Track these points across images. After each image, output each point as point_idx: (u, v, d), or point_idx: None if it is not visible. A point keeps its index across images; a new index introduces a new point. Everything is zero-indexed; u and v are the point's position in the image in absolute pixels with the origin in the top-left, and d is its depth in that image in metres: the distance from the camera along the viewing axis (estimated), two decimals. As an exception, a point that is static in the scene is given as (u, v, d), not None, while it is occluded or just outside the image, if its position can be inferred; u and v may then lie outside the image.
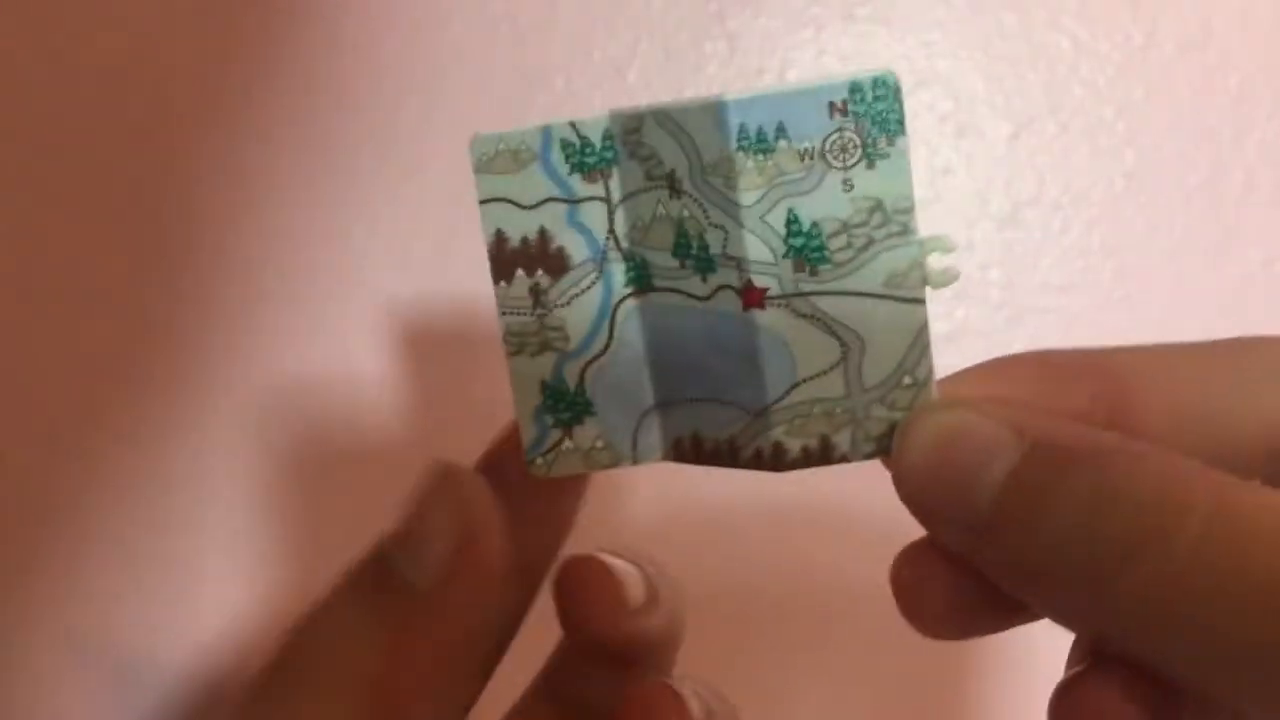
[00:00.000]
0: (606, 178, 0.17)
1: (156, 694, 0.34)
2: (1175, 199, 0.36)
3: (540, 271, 0.18)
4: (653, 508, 0.34)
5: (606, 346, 0.18)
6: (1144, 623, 0.14)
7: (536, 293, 0.18)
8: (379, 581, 0.18)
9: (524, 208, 0.18)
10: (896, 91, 0.16)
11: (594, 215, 0.18)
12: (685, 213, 0.17)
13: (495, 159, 0.18)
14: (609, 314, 0.18)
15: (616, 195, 0.18)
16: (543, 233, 0.18)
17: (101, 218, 0.35)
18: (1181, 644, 0.13)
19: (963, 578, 0.16)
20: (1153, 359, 0.18)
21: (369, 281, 0.35)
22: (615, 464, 0.18)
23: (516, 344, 0.18)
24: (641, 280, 0.18)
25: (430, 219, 0.35)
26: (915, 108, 0.36)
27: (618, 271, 0.18)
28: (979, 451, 0.15)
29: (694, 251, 0.17)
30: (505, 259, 0.18)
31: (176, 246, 0.35)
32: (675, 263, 0.17)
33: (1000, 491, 0.15)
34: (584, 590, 0.20)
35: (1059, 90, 0.36)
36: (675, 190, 0.17)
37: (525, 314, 0.18)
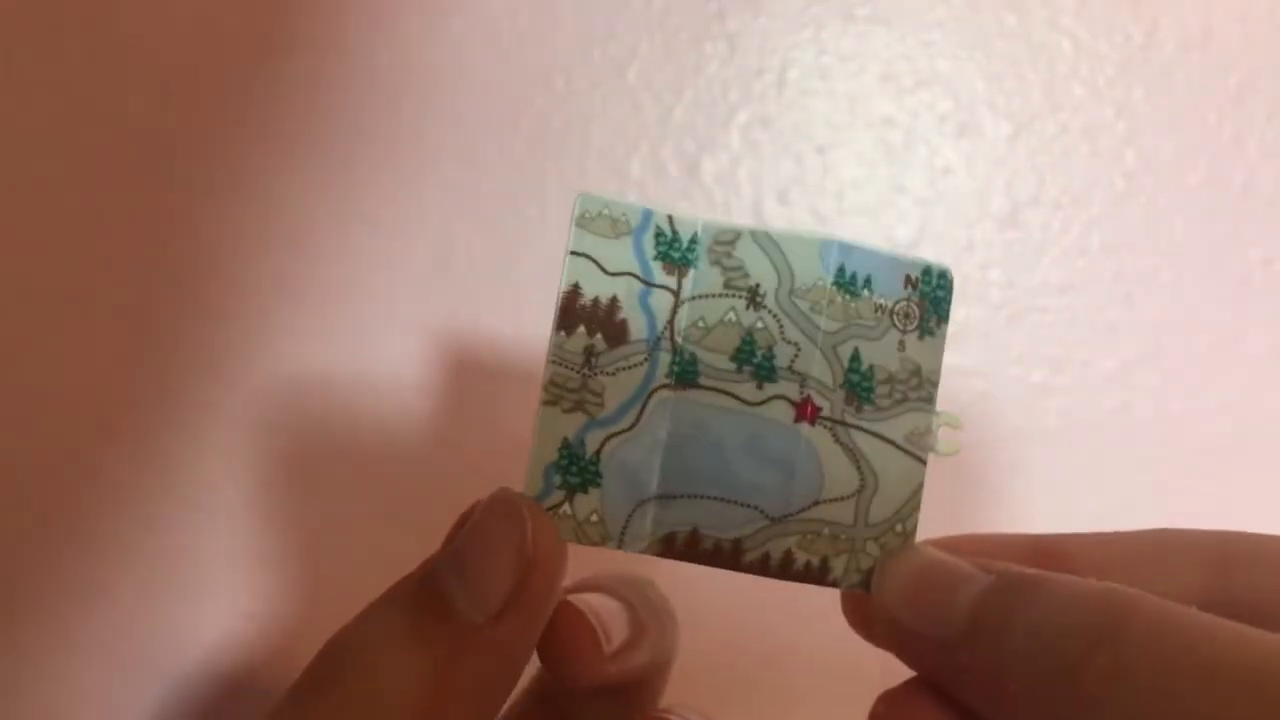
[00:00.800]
0: (683, 274, 0.19)
1: (157, 694, 0.34)
2: (1175, 199, 0.36)
3: (600, 335, 0.19)
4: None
5: (632, 425, 0.19)
6: (1104, 714, 0.15)
7: (590, 353, 0.19)
8: (430, 608, 0.18)
9: (605, 272, 0.19)
10: (950, 285, 0.19)
11: (661, 303, 0.19)
12: (759, 324, 0.19)
13: (596, 220, 0.19)
14: (644, 397, 0.19)
15: (687, 293, 0.19)
16: (614, 301, 0.19)
17: (102, 218, 0.35)
18: None
19: (941, 715, 0.18)
20: (1079, 545, 0.20)
21: (369, 282, 0.35)
22: (602, 542, 0.19)
23: (554, 395, 0.18)
24: (686, 375, 0.19)
25: (431, 219, 0.35)
26: (915, 107, 0.36)
27: (663, 361, 0.19)
28: (952, 580, 0.17)
29: (757, 359, 0.18)
30: (574, 313, 0.19)
31: (177, 247, 0.35)
32: (732, 366, 0.19)
33: (973, 609, 0.17)
34: (560, 638, 0.20)
35: (1059, 90, 0.36)
36: (755, 303, 0.19)
37: (573, 369, 0.19)
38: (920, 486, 0.19)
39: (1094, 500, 0.35)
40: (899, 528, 0.19)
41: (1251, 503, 0.35)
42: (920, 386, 0.19)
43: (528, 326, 0.35)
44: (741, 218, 0.36)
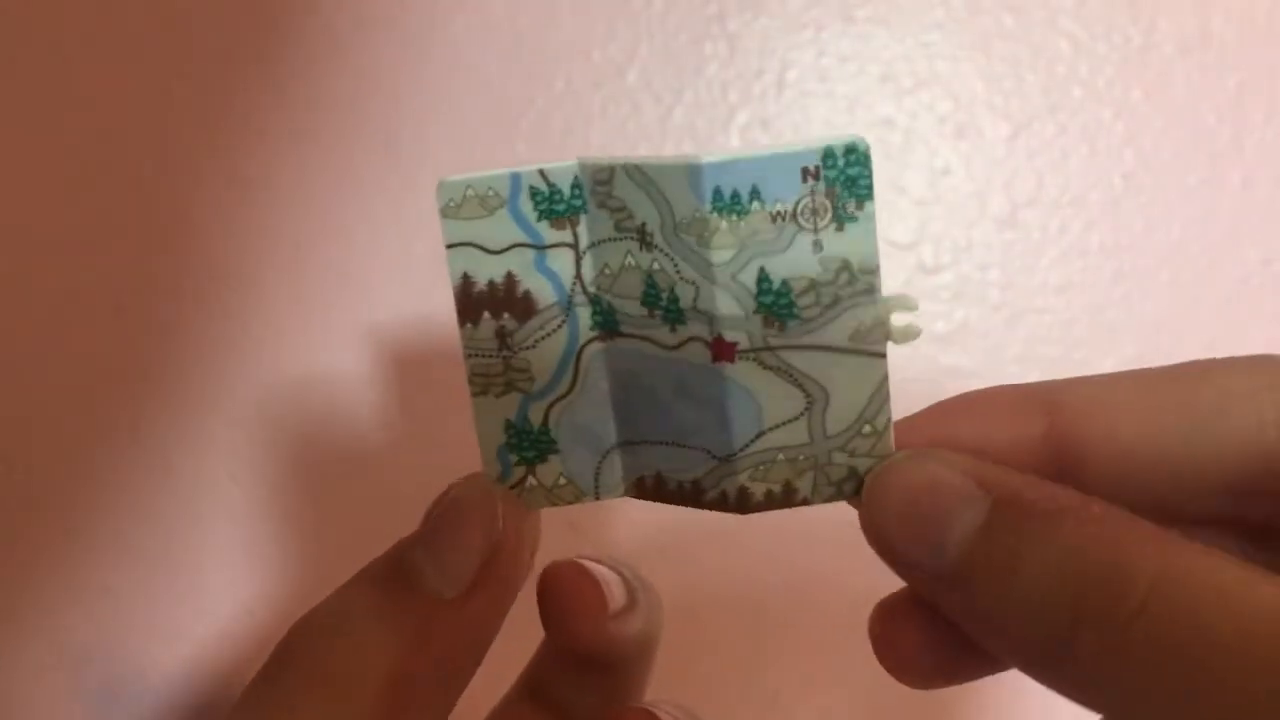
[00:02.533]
0: (574, 224, 0.18)
1: (157, 693, 0.34)
2: (1174, 199, 0.36)
3: (507, 315, 0.18)
4: (649, 515, 0.34)
5: (571, 387, 0.18)
6: (1093, 685, 0.14)
7: (502, 335, 0.18)
8: (400, 583, 0.19)
9: (491, 252, 0.18)
10: (867, 159, 0.17)
11: (561, 261, 0.18)
12: (655, 265, 0.17)
13: (463, 204, 0.18)
14: (574, 356, 0.18)
15: (584, 242, 0.18)
16: (510, 277, 0.18)
17: (103, 219, 0.35)
18: (1126, 710, 0.14)
19: (936, 629, 0.17)
20: (1103, 391, 0.18)
21: (370, 282, 0.35)
22: (578, 500, 0.19)
23: (481, 385, 0.19)
24: (608, 324, 0.18)
25: (431, 219, 0.35)
26: (914, 108, 0.36)
27: (584, 315, 0.18)
28: (946, 505, 0.16)
29: (663, 303, 0.17)
30: (471, 302, 0.18)
31: (177, 247, 0.35)
32: (644, 311, 0.18)
33: (966, 546, 0.16)
34: (566, 593, 0.21)
35: (1058, 91, 0.36)
36: (645, 243, 0.17)
37: (490, 356, 0.18)
38: (883, 380, 0.17)
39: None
40: (866, 429, 0.17)
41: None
42: (854, 281, 0.17)
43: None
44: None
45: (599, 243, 0.18)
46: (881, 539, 0.17)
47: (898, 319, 0.17)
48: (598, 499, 0.19)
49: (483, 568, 0.18)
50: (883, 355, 0.17)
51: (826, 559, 0.34)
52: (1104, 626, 0.14)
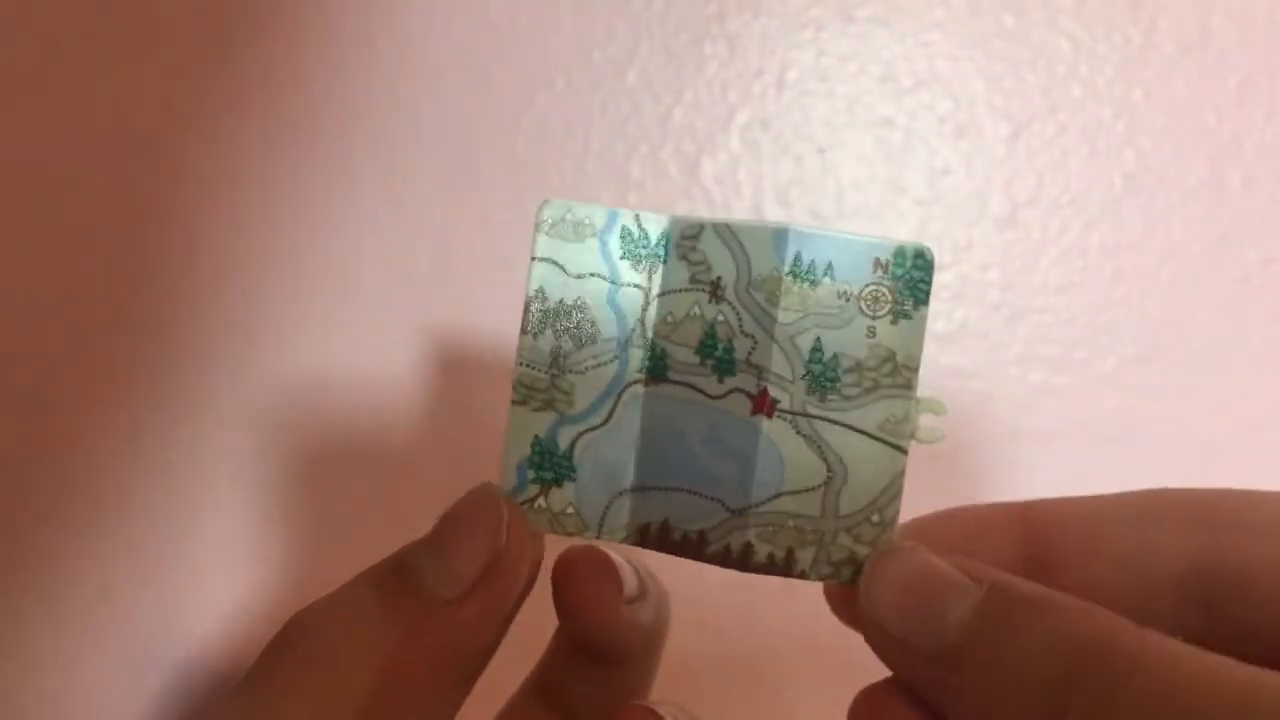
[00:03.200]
0: (651, 271, 0.19)
1: (157, 691, 0.34)
2: (1174, 199, 0.36)
3: (567, 337, 0.19)
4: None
5: (605, 420, 0.19)
6: None
7: (557, 355, 0.19)
8: (401, 582, 0.19)
9: (570, 275, 0.19)
10: (931, 266, 0.18)
11: (630, 301, 0.19)
12: (720, 317, 0.19)
13: (559, 224, 0.19)
14: (617, 393, 0.19)
15: (655, 289, 0.19)
16: (580, 302, 0.19)
17: (103, 218, 0.35)
18: None
19: (916, 717, 0.18)
20: (1068, 510, 0.20)
21: (370, 282, 0.35)
22: (579, 533, 0.19)
23: (523, 394, 0.19)
24: (657, 370, 0.19)
25: (431, 219, 0.35)
26: (914, 108, 0.36)
27: (636, 356, 0.19)
28: (942, 590, 0.17)
29: (718, 353, 0.19)
30: (539, 316, 0.19)
31: (177, 247, 0.35)
32: (696, 360, 0.19)
33: (964, 626, 0.16)
34: (583, 577, 0.21)
35: (1058, 91, 0.36)
36: (716, 296, 0.19)
37: (541, 370, 0.19)
38: (900, 475, 0.18)
39: (1093, 500, 0.35)
40: (875, 518, 0.18)
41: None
42: (895, 373, 0.18)
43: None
44: (742, 218, 0.36)
45: (669, 292, 0.19)
46: (877, 621, 0.18)
47: (926, 419, 0.18)
48: (598, 538, 0.19)
49: (482, 574, 0.19)
50: (904, 450, 0.18)
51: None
52: (1097, 691, 0.15)
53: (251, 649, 0.34)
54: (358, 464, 0.35)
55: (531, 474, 0.19)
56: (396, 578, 0.19)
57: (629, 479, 0.19)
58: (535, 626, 0.21)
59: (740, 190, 0.36)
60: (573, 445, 0.19)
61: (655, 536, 0.19)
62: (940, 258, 0.36)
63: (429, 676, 0.19)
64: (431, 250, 0.35)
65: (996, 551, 0.19)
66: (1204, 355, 0.36)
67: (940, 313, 0.36)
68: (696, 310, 0.19)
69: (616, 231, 0.19)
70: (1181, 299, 0.36)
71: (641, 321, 0.19)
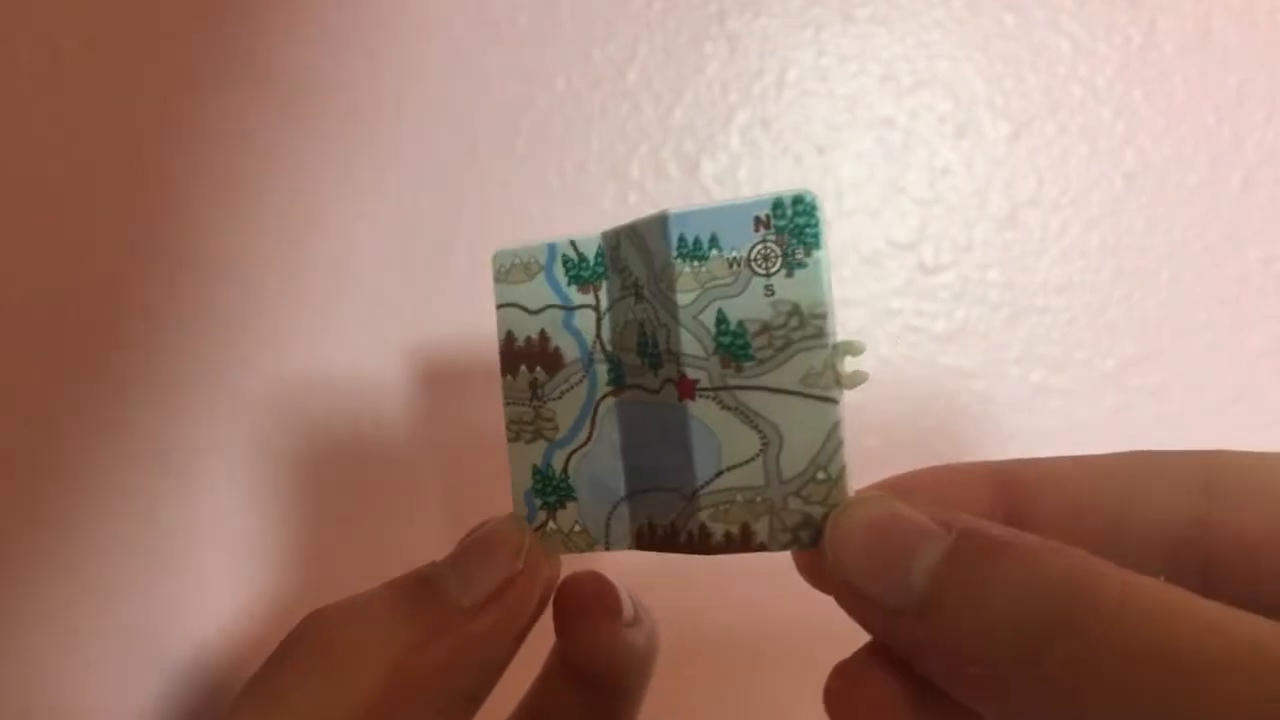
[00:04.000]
0: (597, 289, 0.20)
1: (157, 690, 0.34)
2: (1174, 199, 0.36)
3: (539, 368, 0.20)
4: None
5: (589, 438, 0.20)
6: (1064, 702, 0.14)
7: (534, 386, 0.20)
8: (419, 589, 0.20)
9: (530, 312, 0.20)
10: (813, 209, 0.18)
11: (585, 321, 0.20)
12: (645, 314, 0.19)
13: (511, 270, 0.20)
14: (591, 409, 0.20)
15: (604, 304, 0.20)
16: (543, 334, 0.20)
17: (103, 219, 0.35)
18: None
19: (896, 686, 0.17)
20: (1047, 470, 0.19)
21: (370, 282, 0.35)
22: (590, 548, 0.20)
23: (515, 431, 0.20)
24: (619, 379, 0.20)
25: (431, 219, 0.35)
26: (914, 108, 0.36)
27: (601, 371, 0.20)
28: (911, 538, 0.16)
29: (650, 349, 0.19)
30: (513, 356, 0.20)
31: (177, 247, 0.35)
32: (639, 361, 0.19)
33: (933, 575, 0.16)
34: (584, 597, 0.21)
35: (1058, 91, 0.36)
36: (638, 295, 0.19)
37: (524, 404, 0.20)
38: (836, 426, 0.18)
39: (1093, 500, 0.35)
40: (820, 475, 0.18)
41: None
42: (803, 325, 0.18)
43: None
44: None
45: (614, 304, 0.20)
46: (844, 578, 0.17)
47: (847, 364, 0.18)
48: (608, 549, 0.20)
49: (499, 588, 0.19)
50: (834, 400, 0.18)
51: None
52: (1079, 637, 0.14)
53: (251, 649, 0.34)
54: (357, 464, 0.35)
55: (538, 501, 0.20)
56: (416, 585, 0.20)
57: (621, 488, 0.20)
58: (529, 649, 0.22)
59: (740, 190, 0.36)
60: (566, 466, 0.20)
61: (647, 537, 0.19)
62: (940, 258, 0.36)
63: (440, 680, 0.19)
64: (432, 251, 0.35)
65: (968, 511, 0.18)
66: (1204, 355, 0.36)
67: (940, 313, 0.36)
68: (630, 314, 0.19)
69: (559, 261, 0.20)
70: (1181, 299, 0.36)
71: (599, 338, 0.20)
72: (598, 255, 0.20)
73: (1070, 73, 0.36)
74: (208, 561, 0.34)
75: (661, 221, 0.18)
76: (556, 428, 0.20)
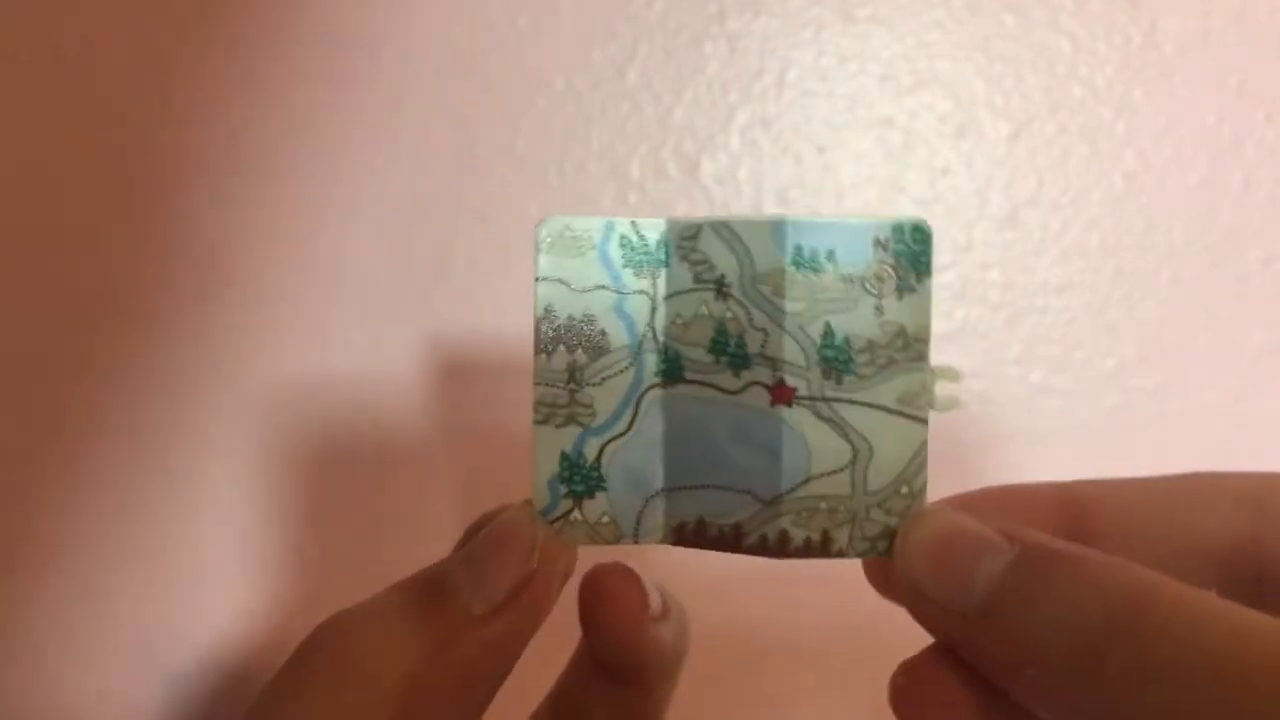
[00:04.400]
0: (655, 277, 0.20)
1: (158, 691, 0.34)
2: (1174, 199, 0.36)
3: (580, 351, 0.19)
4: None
5: (629, 428, 0.20)
6: (1117, 704, 0.15)
7: (573, 369, 0.19)
8: (434, 594, 0.19)
9: (575, 290, 0.19)
10: (929, 238, 0.19)
11: (638, 307, 0.20)
12: (729, 314, 0.19)
13: (558, 241, 0.19)
14: (636, 399, 0.20)
15: (661, 294, 0.20)
16: (588, 315, 0.19)
17: (102, 218, 0.35)
18: None
19: (959, 687, 0.18)
20: (1109, 491, 0.20)
21: (371, 282, 0.35)
22: (617, 540, 0.20)
23: (545, 414, 0.19)
24: (672, 372, 0.19)
25: (431, 219, 0.35)
26: (914, 108, 0.36)
27: (651, 361, 0.20)
28: (976, 548, 0.17)
29: (731, 349, 0.19)
30: (550, 335, 0.20)
31: (176, 247, 0.35)
32: (710, 358, 0.19)
33: (997, 583, 0.17)
34: (610, 591, 0.21)
35: (1058, 91, 0.36)
36: (721, 293, 0.19)
37: (559, 387, 0.20)
38: (923, 446, 0.19)
39: (1093, 500, 0.35)
40: (904, 489, 0.19)
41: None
42: (907, 347, 0.19)
43: (528, 326, 0.35)
44: (738, 214, 0.36)
45: (674, 295, 0.19)
46: (912, 584, 0.18)
47: (941, 388, 0.19)
48: (636, 542, 0.20)
49: (513, 591, 0.19)
50: (924, 421, 0.19)
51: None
52: (1132, 643, 0.15)
53: (252, 649, 0.34)
54: (358, 464, 0.35)
55: (563, 489, 0.20)
56: (429, 590, 0.20)
57: (659, 481, 0.20)
58: (553, 649, 0.22)
59: (740, 190, 0.36)
60: (599, 455, 0.19)
61: (692, 534, 0.19)
62: (940, 258, 0.36)
63: (456, 690, 0.19)
64: (431, 250, 0.35)
65: (1033, 528, 0.19)
66: (1204, 355, 0.36)
67: (940, 313, 0.36)
68: (704, 309, 0.19)
69: (615, 240, 0.19)
70: (1181, 299, 0.36)
71: (651, 326, 0.19)
72: (660, 241, 0.20)
73: (1070, 73, 0.36)
74: (208, 561, 0.34)
75: (776, 226, 0.18)
76: (594, 414, 0.19)
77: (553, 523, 0.20)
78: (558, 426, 0.19)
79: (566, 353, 0.19)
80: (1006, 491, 0.20)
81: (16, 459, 0.34)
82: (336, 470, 0.35)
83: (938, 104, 0.36)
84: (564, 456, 0.19)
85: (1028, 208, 0.36)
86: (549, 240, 0.19)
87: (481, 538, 0.20)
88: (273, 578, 0.34)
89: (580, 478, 0.19)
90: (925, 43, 0.36)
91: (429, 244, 0.35)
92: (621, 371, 0.19)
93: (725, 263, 0.19)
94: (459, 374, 0.35)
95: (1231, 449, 0.36)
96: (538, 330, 0.20)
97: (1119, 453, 0.35)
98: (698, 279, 0.19)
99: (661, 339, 0.20)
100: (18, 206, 0.35)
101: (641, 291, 0.19)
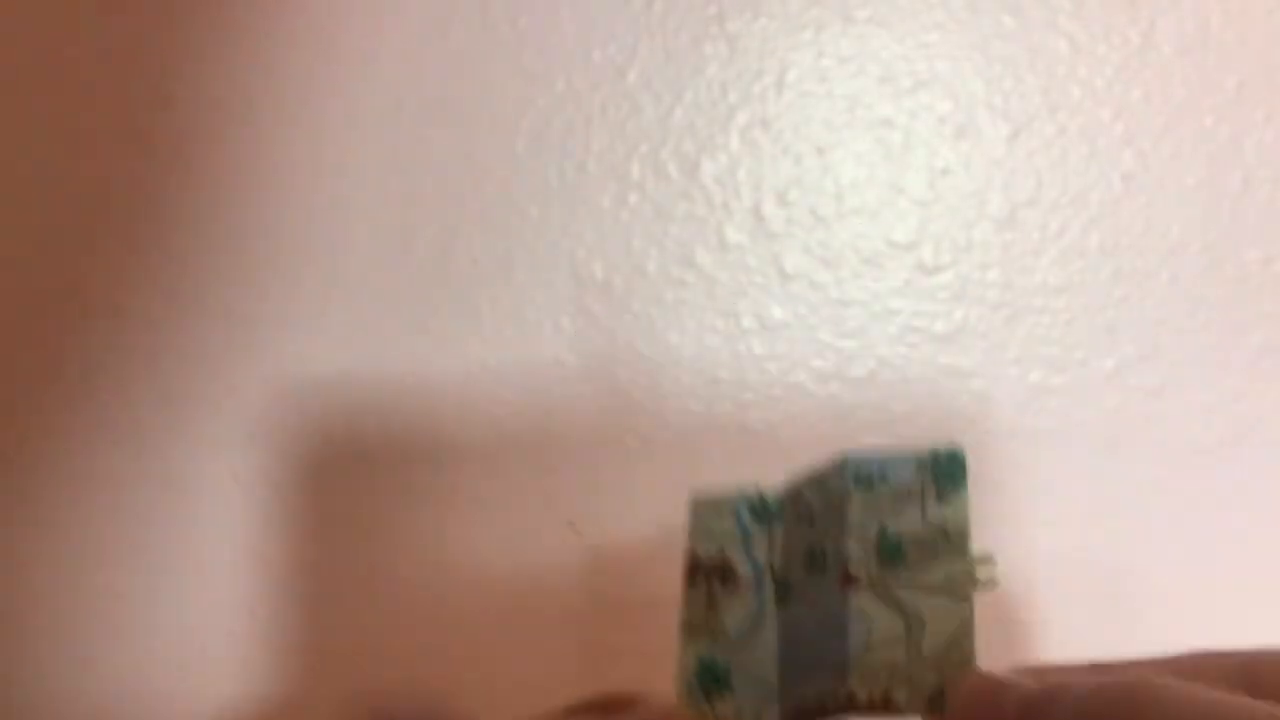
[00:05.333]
0: (772, 526, 0.25)
1: (159, 692, 0.34)
2: (1173, 200, 0.36)
3: (716, 581, 0.24)
4: (649, 512, 0.34)
5: (753, 641, 0.24)
6: None
7: (711, 596, 0.24)
8: None
9: (715, 538, 0.25)
10: (963, 461, 0.23)
11: (759, 549, 0.24)
12: (816, 536, 0.24)
13: (705, 506, 0.25)
14: (760, 619, 0.24)
15: (779, 540, 0.24)
16: (722, 553, 0.24)
17: (102, 219, 0.35)
18: None
19: None
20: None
21: (371, 282, 0.35)
22: None
23: (690, 631, 0.24)
24: (784, 598, 0.24)
25: (431, 220, 0.35)
26: (914, 109, 0.36)
27: (769, 589, 0.24)
28: (1003, 688, 0.20)
29: (817, 561, 0.23)
30: (696, 569, 0.24)
31: (176, 247, 0.35)
32: (804, 574, 0.24)
33: (1017, 711, 0.19)
34: None
35: (1057, 91, 0.36)
36: (812, 523, 0.24)
37: (699, 609, 0.24)
38: (968, 619, 0.22)
39: (1091, 500, 0.35)
40: (955, 655, 0.21)
41: (1249, 502, 0.36)
42: (948, 539, 0.22)
43: (528, 326, 0.35)
44: (741, 218, 0.36)
45: (787, 538, 0.24)
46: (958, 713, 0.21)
47: (982, 571, 0.22)
48: None
49: None
50: (968, 599, 0.22)
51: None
52: None
53: (253, 650, 0.34)
54: (358, 464, 0.35)
55: (700, 690, 0.24)
56: None
57: (774, 683, 0.24)
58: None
59: (740, 190, 0.36)
60: (730, 663, 0.24)
61: (791, 718, 0.23)
62: (940, 258, 0.36)
63: None
64: (433, 252, 0.35)
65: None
66: (1202, 356, 0.36)
67: (940, 313, 0.36)
68: (803, 542, 0.24)
69: (745, 504, 0.25)
70: (1180, 299, 0.36)
71: (770, 564, 0.24)
72: (778, 503, 0.25)
73: (1069, 73, 0.36)
74: (208, 561, 0.34)
75: (841, 464, 0.23)
76: (726, 632, 0.24)
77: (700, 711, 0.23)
78: (698, 639, 0.24)
79: (704, 581, 0.24)
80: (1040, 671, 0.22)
81: (16, 459, 0.34)
82: (337, 470, 0.35)
83: (937, 105, 0.36)
84: (700, 661, 0.24)
85: (1027, 208, 0.36)
86: (698, 508, 0.25)
87: None
88: (273, 578, 0.34)
89: (714, 679, 0.23)
90: (924, 44, 0.36)
91: (429, 244, 0.35)
92: (747, 596, 0.24)
93: (817, 501, 0.24)
94: (459, 374, 0.35)
95: (1230, 449, 0.36)
96: (686, 567, 0.24)
97: (1119, 453, 0.35)
98: (798, 519, 0.24)
99: (779, 572, 0.24)
100: (17, 207, 0.35)
101: (762, 537, 0.25)
